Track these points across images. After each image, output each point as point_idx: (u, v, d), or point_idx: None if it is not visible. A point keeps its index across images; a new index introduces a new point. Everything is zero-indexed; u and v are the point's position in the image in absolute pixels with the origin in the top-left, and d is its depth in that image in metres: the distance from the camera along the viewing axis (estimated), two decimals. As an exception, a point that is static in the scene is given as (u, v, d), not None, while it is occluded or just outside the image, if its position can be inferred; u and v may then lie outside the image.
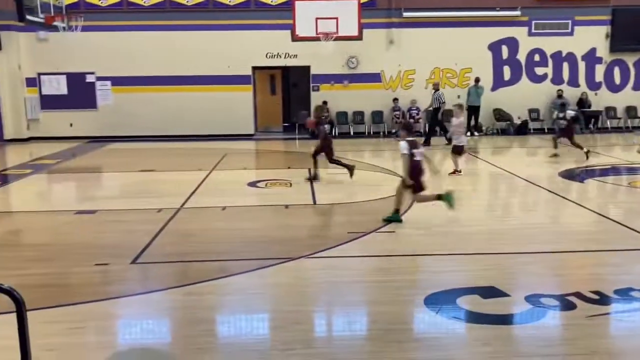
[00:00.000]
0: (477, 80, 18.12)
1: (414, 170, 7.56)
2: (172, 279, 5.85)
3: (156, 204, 9.02)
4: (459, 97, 18.51)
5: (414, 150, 7.57)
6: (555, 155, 13.30)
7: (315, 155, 10.88)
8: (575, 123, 13.86)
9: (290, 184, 10.57)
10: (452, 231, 7.35)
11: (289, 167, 12.69)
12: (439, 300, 5.05)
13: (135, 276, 5.96)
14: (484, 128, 18.59)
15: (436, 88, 16.76)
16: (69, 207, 9.18)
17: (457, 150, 11.54)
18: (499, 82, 18.86)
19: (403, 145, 7.54)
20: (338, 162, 10.86)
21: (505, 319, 4.73)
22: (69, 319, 4.76)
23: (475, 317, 4.72)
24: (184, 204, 9.07)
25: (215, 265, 6.21)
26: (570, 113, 13.34)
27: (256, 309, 5.09)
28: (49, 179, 12.12)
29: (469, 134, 18.01)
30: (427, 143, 15.58)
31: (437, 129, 16.92)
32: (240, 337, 4.53)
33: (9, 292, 2.36)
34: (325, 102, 12.16)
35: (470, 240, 6.98)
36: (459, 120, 11.67)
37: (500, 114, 18.85)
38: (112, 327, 4.83)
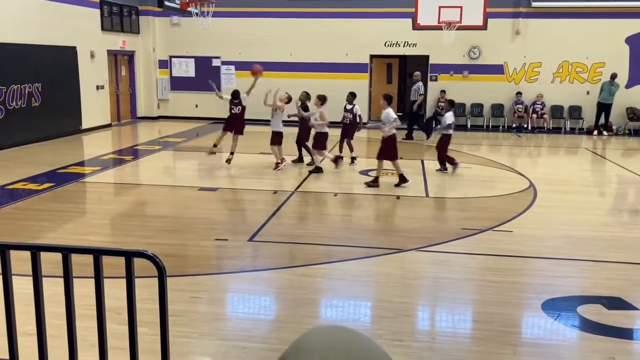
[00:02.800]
0: (613, 76, 16.80)
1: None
2: (285, 259, 6.03)
3: (272, 186, 9.32)
4: (588, 93, 17.33)
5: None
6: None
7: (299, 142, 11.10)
8: None
9: (403, 175, 10.45)
10: (573, 235, 6.93)
11: (401, 158, 12.54)
12: (557, 306, 4.79)
13: (251, 253, 6.21)
14: (614, 127, 17.26)
15: (416, 79, 15.31)
16: (192, 183, 9.74)
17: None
18: (635, 79, 17.38)
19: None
20: (306, 148, 10.95)
21: (632, 334, 4.40)
22: (188, 289, 5.07)
23: (597, 328, 4.43)
24: (297, 187, 9.30)
25: (327, 249, 6.31)
26: None
27: (365, 296, 5.12)
28: (175, 156, 12.92)
29: (595, 132, 16.85)
30: (409, 137, 15.19)
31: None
32: (348, 322, 4.58)
33: (153, 259, 2.55)
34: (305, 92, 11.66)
35: (592, 246, 6.54)
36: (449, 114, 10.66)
37: (634, 113, 17.39)
38: (227, 299, 5.08)
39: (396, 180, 9.40)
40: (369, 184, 9.35)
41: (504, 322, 4.49)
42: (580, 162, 12.95)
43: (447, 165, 10.61)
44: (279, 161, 10.52)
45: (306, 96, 11.18)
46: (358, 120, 11.77)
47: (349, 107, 11.53)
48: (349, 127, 11.53)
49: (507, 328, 4.40)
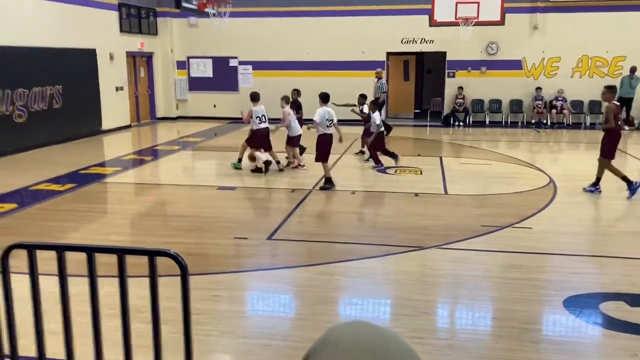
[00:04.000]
0: (633, 69, 16.56)
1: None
2: (304, 257, 6.06)
3: (290, 184, 9.36)
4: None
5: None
6: None
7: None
8: None
9: (421, 172, 10.44)
10: (594, 231, 6.87)
11: (419, 155, 12.52)
12: (579, 303, 4.75)
13: (270, 252, 6.25)
14: (636, 122, 17.00)
15: (379, 76, 14.76)
16: (211, 182, 9.82)
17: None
18: (657, 72, 17.09)
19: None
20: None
21: (656, 331, 4.34)
22: (209, 287, 5.12)
23: (620, 325, 4.38)
24: (315, 185, 9.32)
25: (345, 247, 6.33)
26: None
27: (385, 294, 5.13)
28: (194, 156, 13.02)
29: (626, 127, 16.59)
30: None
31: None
32: (368, 320, 4.58)
33: (175, 258, 2.59)
34: (296, 90, 11.61)
35: (614, 242, 6.47)
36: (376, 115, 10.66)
37: (656, 107, 17.11)
38: (248, 297, 5.12)
39: (403, 176, 9.39)
40: (323, 187, 8.99)
41: (524, 319, 4.46)
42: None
43: (388, 158, 10.78)
44: (296, 163, 10.56)
45: (297, 94, 11.67)
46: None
47: (364, 109, 11.55)
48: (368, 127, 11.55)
49: (528, 325, 4.38)
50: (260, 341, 4.15)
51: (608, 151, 8.51)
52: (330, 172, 9.11)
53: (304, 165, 10.53)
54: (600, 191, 8.48)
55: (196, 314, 4.42)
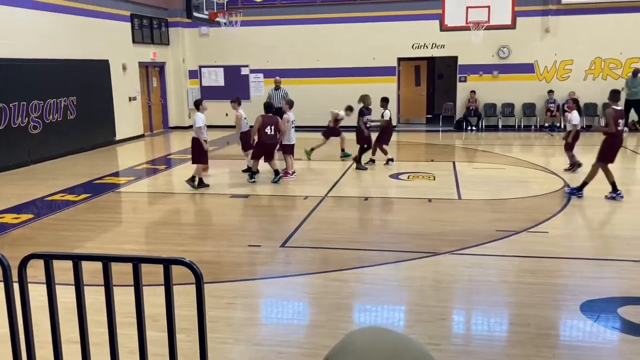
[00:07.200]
0: (635, 72, 16.37)
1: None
2: (318, 264, 6.05)
3: (303, 192, 9.37)
4: (622, 89, 16.88)
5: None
6: None
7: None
8: None
9: (434, 177, 10.40)
10: (610, 234, 6.79)
11: (431, 160, 12.48)
12: (597, 307, 4.70)
13: (284, 259, 6.25)
14: (644, 124, 16.80)
15: (277, 85, 14.53)
16: (224, 190, 9.85)
17: (288, 150, 10.62)
18: (672, 73, 16.90)
19: None
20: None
21: (676, 336, 4.27)
22: (224, 295, 5.13)
23: (639, 330, 4.32)
24: (328, 192, 9.32)
25: (358, 254, 6.32)
26: None
27: (400, 301, 5.10)
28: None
29: (626, 129, 16.43)
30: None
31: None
32: (384, 327, 4.56)
33: (190, 266, 2.60)
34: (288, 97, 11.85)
35: (630, 245, 6.38)
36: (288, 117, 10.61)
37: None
38: (262, 305, 5.12)
39: (416, 182, 9.40)
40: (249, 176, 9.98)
41: (541, 325, 4.42)
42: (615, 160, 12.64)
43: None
44: (290, 170, 10.53)
45: (367, 100, 11.38)
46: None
47: (385, 112, 11.53)
48: (384, 131, 11.55)
49: (545, 330, 4.33)
50: (275, 348, 4.15)
51: (606, 156, 8.40)
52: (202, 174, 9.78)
53: (294, 173, 10.51)
54: (622, 196, 8.36)
55: (211, 321, 4.43)
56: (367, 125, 11.25)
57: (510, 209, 8.21)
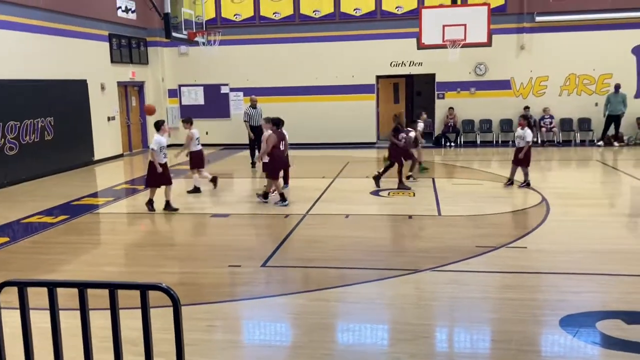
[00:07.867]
0: (617, 87, 16.77)
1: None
2: (299, 284, 6.02)
3: (284, 210, 9.34)
4: (596, 104, 17.29)
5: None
6: None
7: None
8: None
9: (414, 194, 10.46)
10: (588, 249, 6.87)
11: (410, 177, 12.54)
12: (576, 322, 4.74)
13: (265, 279, 6.21)
14: (625, 138, 17.16)
15: (254, 104, 14.67)
16: (204, 210, 9.79)
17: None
18: (644, 89, 17.32)
19: None
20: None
21: (654, 349, 4.32)
22: (203, 317, 5.07)
23: (618, 344, 4.36)
24: (309, 210, 9.31)
25: (340, 272, 6.30)
26: None
27: (382, 319, 5.09)
28: (187, 184, 12.96)
29: (601, 143, 16.75)
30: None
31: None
32: (366, 346, 4.55)
33: (167, 291, 2.57)
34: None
35: (609, 259, 6.47)
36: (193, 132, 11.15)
37: (645, 123, 17.29)
38: (243, 326, 5.07)
39: (396, 198, 9.41)
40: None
41: (522, 341, 4.44)
42: (593, 175, 12.87)
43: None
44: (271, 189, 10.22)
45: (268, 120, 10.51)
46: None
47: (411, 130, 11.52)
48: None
49: (526, 347, 4.35)
50: (256, 371, 4.09)
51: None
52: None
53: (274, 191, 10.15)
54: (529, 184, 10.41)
55: (191, 345, 4.37)
56: (403, 142, 11.13)
57: (489, 224, 8.28)
